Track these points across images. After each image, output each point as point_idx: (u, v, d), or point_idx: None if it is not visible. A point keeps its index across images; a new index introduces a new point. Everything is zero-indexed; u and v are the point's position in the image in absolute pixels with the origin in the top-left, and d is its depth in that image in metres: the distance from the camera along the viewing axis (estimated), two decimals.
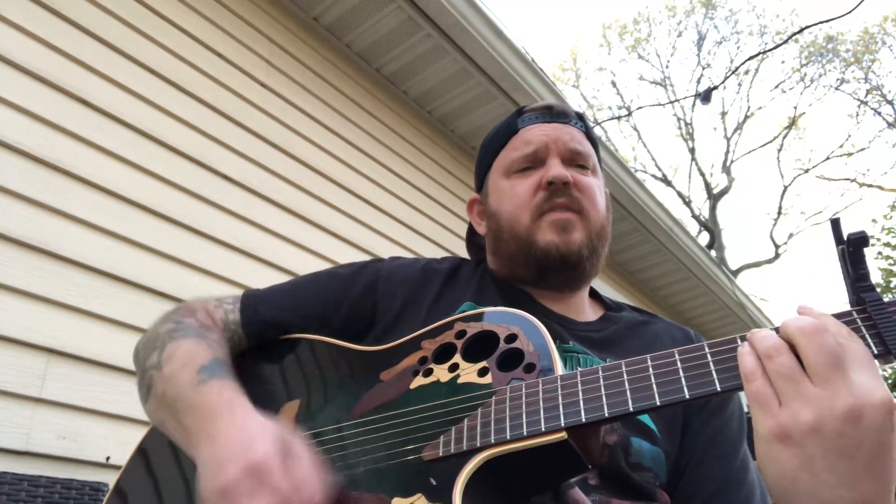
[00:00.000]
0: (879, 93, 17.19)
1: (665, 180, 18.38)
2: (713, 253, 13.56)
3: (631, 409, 0.62)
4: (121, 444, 1.87)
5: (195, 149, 2.37)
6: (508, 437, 0.64)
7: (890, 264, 12.11)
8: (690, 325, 6.24)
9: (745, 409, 0.79)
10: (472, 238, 1.17)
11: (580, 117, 1.05)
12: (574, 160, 0.99)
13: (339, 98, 3.09)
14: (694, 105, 17.85)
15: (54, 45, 2.02)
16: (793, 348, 0.56)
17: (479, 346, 0.75)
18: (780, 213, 17.90)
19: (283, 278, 1.09)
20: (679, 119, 18.44)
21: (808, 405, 0.52)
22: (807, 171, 18.04)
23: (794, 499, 0.54)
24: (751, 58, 17.04)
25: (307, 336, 0.93)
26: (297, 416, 0.83)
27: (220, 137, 2.47)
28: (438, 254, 3.36)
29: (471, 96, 3.50)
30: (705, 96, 5.27)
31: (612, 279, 5.28)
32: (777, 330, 0.58)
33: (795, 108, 18.10)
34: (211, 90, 2.49)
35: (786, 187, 18.20)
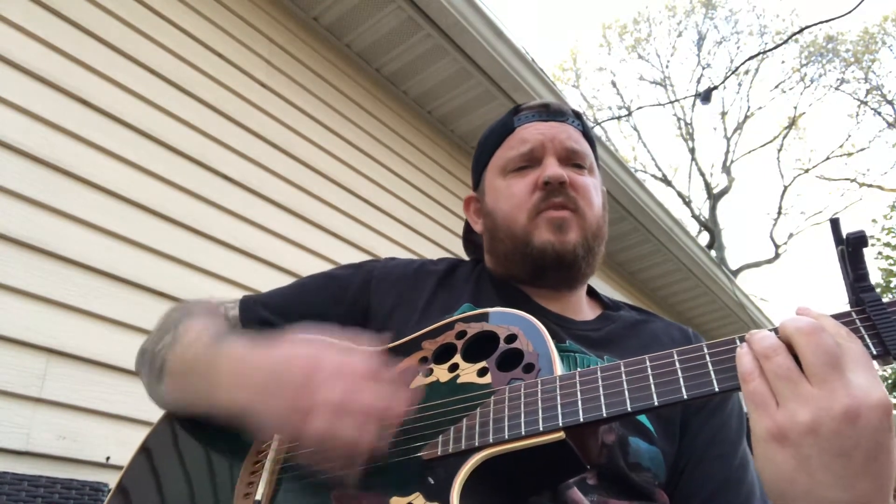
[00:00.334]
0: (879, 93, 17.20)
1: (665, 180, 18.38)
2: (713, 253, 13.56)
3: (629, 409, 0.62)
4: (121, 444, 1.88)
5: (195, 149, 2.37)
6: (507, 436, 0.64)
7: (890, 264, 12.12)
8: (690, 325, 6.22)
9: (745, 409, 0.79)
10: (469, 236, 1.17)
11: (577, 115, 1.05)
12: (570, 159, 0.99)
13: (339, 98, 3.09)
14: (694, 105, 17.86)
15: (54, 45, 2.02)
16: (791, 349, 0.56)
17: (479, 347, 0.75)
18: (780, 213, 17.92)
19: (283, 278, 1.09)
20: (679, 119, 18.45)
21: (805, 405, 0.52)
22: (807, 171, 18.05)
23: (791, 499, 0.54)
24: (751, 58, 17.05)
25: None
26: None
27: (220, 137, 2.47)
28: (438, 254, 3.36)
29: (471, 96, 3.50)
30: (705, 96, 5.27)
31: (612, 279, 5.28)
32: (776, 331, 0.58)
33: (795, 108, 18.12)
34: (211, 90, 2.49)
35: (786, 187, 18.22)
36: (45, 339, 1.80)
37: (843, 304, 0.65)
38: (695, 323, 6.27)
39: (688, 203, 18.17)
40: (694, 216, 17.88)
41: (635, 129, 20.25)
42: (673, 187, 18.33)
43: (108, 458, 1.85)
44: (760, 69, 17.85)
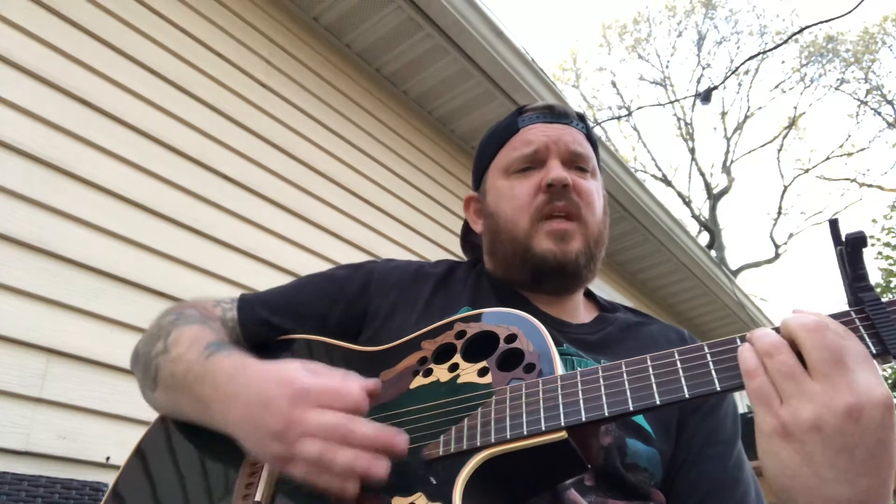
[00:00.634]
0: (879, 93, 17.20)
1: (665, 180, 18.38)
2: (713, 253, 13.56)
3: (631, 408, 0.62)
4: (121, 444, 1.87)
5: (195, 149, 2.37)
6: (508, 436, 0.64)
7: (890, 264, 12.11)
8: (690, 325, 6.24)
9: (746, 410, 0.79)
10: (468, 237, 1.16)
11: (581, 118, 1.05)
12: (574, 162, 0.99)
13: (339, 98, 3.09)
14: (694, 105, 17.86)
15: (54, 45, 2.02)
16: (793, 346, 0.56)
17: (479, 347, 0.75)
18: (780, 213, 17.92)
19: (283, 278, 1.09)
20: (679, 119, 18.45)
21: (809, 402, 0.53)
22: (807, 171, 18.05)
23: (795, 494, 0.54)
24: (751, 58, 17.05)
25: (306, 336, 0.93)
26: None
27: (220, 137, 2.47)
28: (438, 254, 3.36)
29: (471, 96, 3.50)
30: (705, 96, 5.27)
31: (612, 279, 5.27)
32: (777, 329, 0.59)
33: (795, 108, 18.12)
34: (211, 90, 2.49)
35: (786, 187, 18.21)
36: (45, 339, 1.80)
37: (842, 304, 0.65)
38: (695, 323, 6.27)
39: (688, 203, 18.16)
40: (694, 216, 17.88)
41: (635, 129, 20.26)
42: (673, 187, 18.33)
43: (108, 458, 1.85)
44: (760, 69, 17.85)
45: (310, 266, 2.61)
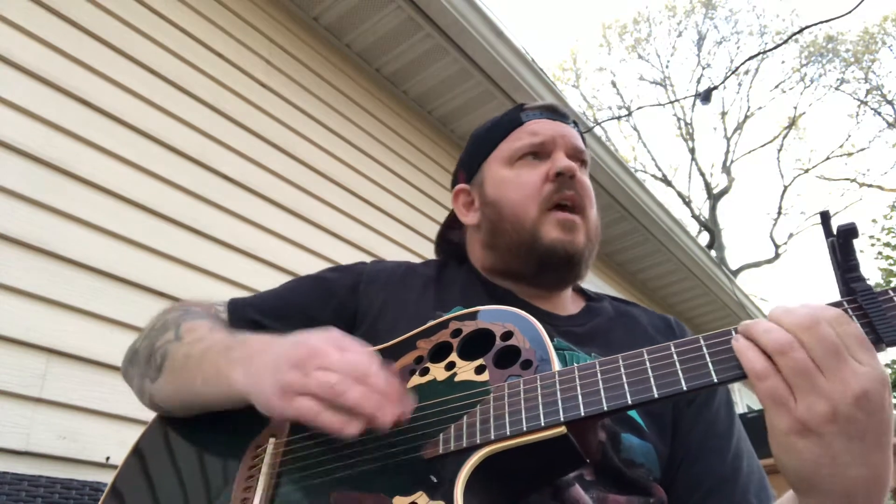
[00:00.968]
0: (879, 93, 17.21)
1: (665, 180, 18.38)
2: (713, 253, 13.56)
3: (629, 401, 0.62)
4: (121, 444, 1.87)
5: (195, 149, 2.37)
6: (508, 432, 0.64)
7: (890, 264, 12.11)
8: (691, 324, 6.24)
9: (746, 410, 0.79)
10: (446, 235, 1.15)
11: (574, 122, 1.08)
12: (576, 157, 1.01)
13: (339, 98, 3.09)
14: (694, 105, 17.86)
15: (54, 45, 2.02)
16: None
17: (475, 344, 0.75)
18: (780, 213, 17.93)
19: (283, 278, 1.09)
20: (679, 119, 18.45)
21: (822, 397, 0.54)
22: (807, 171, 18.06)
23: (817, 484, 0.56)
24: (751, 58, 17.06)
25: None
26: None
27: (220, 137, 2.47)
28: None
29: (471, 96, 3.50)
30: (705, 96, 5.26)
31: (612, 279, 5.28)
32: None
33: (795, 108, 18.14)
34: (211, 90, 2.49)
35: (786, 187, 18.23)
36: (45, 339, 1.79)
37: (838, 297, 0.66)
38: (695, 323, 6.27)
39: (688, 203, 18.17)
40: (694, 216, 17.89)
41: (635, 129, 20.25)
42: (673, 187, 18.34)
43: (108, 458, 1.85)
44: (760, 69, 17.86)
45: (310, 266, 2.60)
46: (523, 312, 0.76)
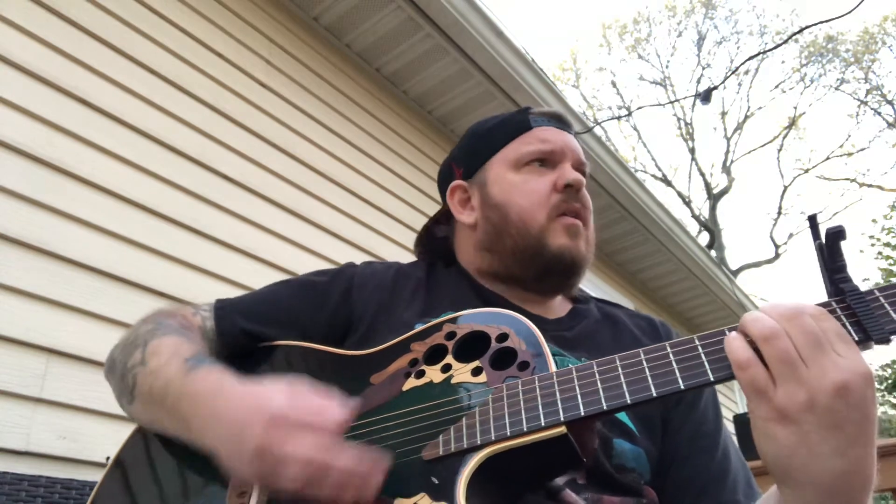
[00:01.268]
0: (879, 93, 17.21)
1: (665, 180, 18.38)
2: (713, 253, 13.56)
3: (629, 401, 0.63)
4: (121, 444, 1.87)
5: (195, 149, 2.37)
6: (509, 433, 0.64)
7: (890, 264, 12.11)
8: (691, 325, 6.24)
9: (746, 410, 0.80)
10: (432, 232, 1.13)
11: (574, 133, 1.10)
12: (580, 170, 1.02)
13: (339, 98, 3.09)
14: (694, 105, 17.86)
15: (54, 45, 2.02)
16: None
17: (471, 347, 0.76)
18: (780, 213, 17.94)
19: (283, 278, 1.08)
20: (679, 119, 18.45)
21: (802, 385, 0.56)
22: (807, 171, 18.06)
23: (793, 472, 0.57)
24: (751, 58, 17.06)
25: (296, 343, 0.92)
26: None
27: (220, 137, 2.47)
28: None
29: (471, 96, 3.50)
30: (705, 96, 5.26)
31: (612, 279, 5.27)
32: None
33: (795, 108, 18.15)
34: (211, 90, 2.49)
35: (786, 187, 18.23)
36: (45, 339, 1.79)
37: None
38: (695, 323, 6.27)
39: (688, 203, 18.17)
40: (694, 216, 17.89)
41: (635, 129, 20.24)
42: (673, 187, 18.34)
43: (108, 458, 1.84)
44: (760, 69, 17.86)
45: (310, 266, 2.60)
46: (518, 315, 0.76)
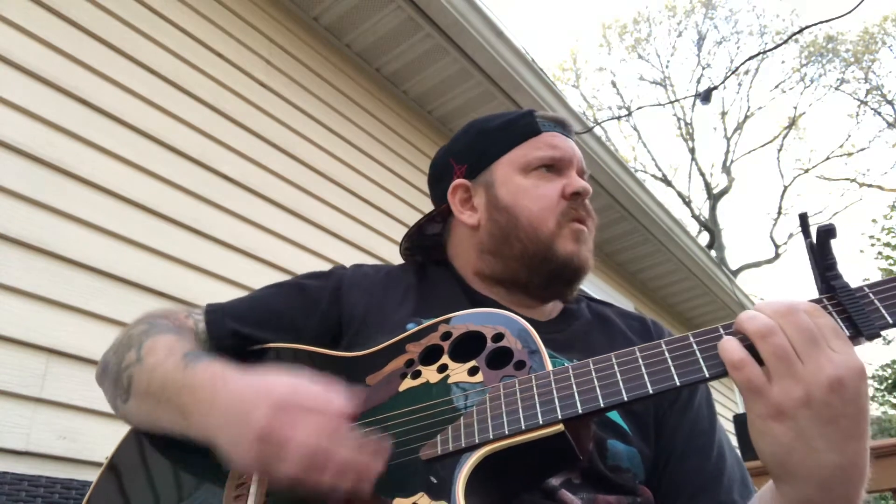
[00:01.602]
0: (879, 93, 17.21)
1: (665, 180, 18.38)
2: (713, 253, 13.56)
3: (625, 398, 0.63)
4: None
5: (195, 149, 2.37)
6: (507, 431, 0.64)
7: (890, 264, 12.11)
8: (690, 325, 6.24)
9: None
10: (423, 229, 1.12)
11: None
12: (583, 178, 1.03)
13: (339, 98, 3.09)
14: (694, 105, 17.86)
15: (54, 45, 2.02)
16: None
17: (466, 347, 0.76)
18: (780, 213, 17.93)
19: (282, 278, 1.08)
20: (679, 119, 18.45)
21: (798, 381, 0.56)
22: (807, 171, 18.07)
23: (791, 468, 0.58)
24: (751, 58, 17.06)
25: (290, 346, 0.92)
26: None
27: (220, 137, 2.47)
28: None
29: (471, 96, 3.50)
30: (705, 96, 5.26)
31: (612, 279, 5.27)
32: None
33: (795, 108, 18.16)
34: (211, 90, 2.49)
35: (786, 187, 18.23)
36: (45, 339, 1.80)
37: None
38: (695, 323, 6.27)
39: (688, 203, 18.17)
40: (694, 216, 17.89)
41: (635, 129, 20.25)
42: (673, 187, 18.34)
43: (107, 459, 1.85)
44: (760, 69, 17.87)
45: (310, 266, 2.60)
46: (513, 315, 0.76)
